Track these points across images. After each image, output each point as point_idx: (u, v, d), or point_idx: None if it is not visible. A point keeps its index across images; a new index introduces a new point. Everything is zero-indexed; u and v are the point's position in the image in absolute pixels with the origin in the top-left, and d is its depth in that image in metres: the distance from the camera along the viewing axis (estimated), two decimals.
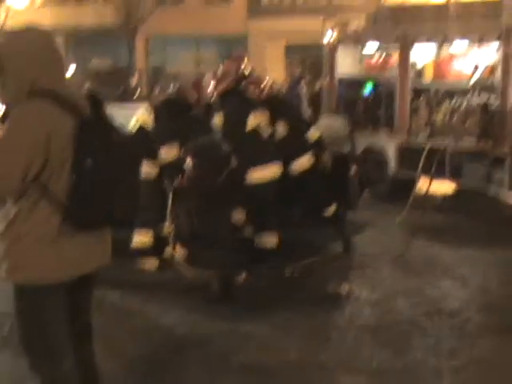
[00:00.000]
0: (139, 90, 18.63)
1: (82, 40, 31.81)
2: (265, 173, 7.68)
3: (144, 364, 5.48)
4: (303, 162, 8.14)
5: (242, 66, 8.29)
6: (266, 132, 7.83)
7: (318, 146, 8.31)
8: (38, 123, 3.36)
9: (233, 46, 32.90)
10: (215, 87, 8.10)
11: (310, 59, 31.92)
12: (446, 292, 7.12)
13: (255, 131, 7.73)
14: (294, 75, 23.24)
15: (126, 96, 16.24)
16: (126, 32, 31.35)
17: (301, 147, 8.19)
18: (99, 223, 3.59)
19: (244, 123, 7.69)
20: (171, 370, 5.39)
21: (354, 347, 5.75)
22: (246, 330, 6.07)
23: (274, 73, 29.27)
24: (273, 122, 7.96)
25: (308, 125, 8.50)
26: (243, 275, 7.28)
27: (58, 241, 3.45)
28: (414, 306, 6.69)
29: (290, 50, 31.44)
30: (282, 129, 8.07)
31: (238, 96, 7.94)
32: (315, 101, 13.93)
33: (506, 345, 5.85)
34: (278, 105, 8.25)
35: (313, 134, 8.27)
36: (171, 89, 8.47)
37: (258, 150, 7.69)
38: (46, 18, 32.06)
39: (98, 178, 3.41)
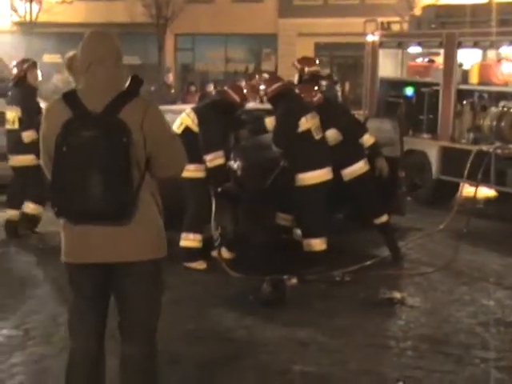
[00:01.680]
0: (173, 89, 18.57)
1: None
2: (316, 176, 7.58)
3: (199, 370, 5.38)
4: (357, 169, 8.01)
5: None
6: (318, 136, 7.72)
7: (373, 152, 8.17)
8: (45, 118, 3.86)
9: (262, 45, 32.87)
10: (266, 89, 8.02)
11: (339, 59, 31.88)
12: (500, 302, 6.98)
13: (308, 133, 7.63)
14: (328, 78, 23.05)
15: (161, 94, 16.18)
16: (155, 29, 31.31)
17: (355, 153, 8.06)
18: (76, 215, 3.69)
19: (296, 125, 7.59)
20: (228, 376, 5.30)
21: (414, 358, 5.63)
22: (303, 337, 5.98)
23: None
24: (324, 128, 7.85)
25: (363, 129, 8.33)
26: (294, 279, 7.19)
27: (64, 227, 3.82)
28: (470, 316, 6.56)
29: (319, 49, 31.33)
30: (334, 135, 7.95)
31: (291, 98, 7.85)
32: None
33: None
34: (331, 110, 8.13)
35: (368, 139, 8.12)
36: (211, 89, 8.49)
37: (310, 152, 7.59)
38: (78, 14, 32.20)
39: (64, 170, 3.62)
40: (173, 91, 18.08)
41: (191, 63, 34.58)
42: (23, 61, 9.11)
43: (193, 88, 18.98)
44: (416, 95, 11.89)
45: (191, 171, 7.42)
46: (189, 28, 32.14)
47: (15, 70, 9.10)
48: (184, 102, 16.92)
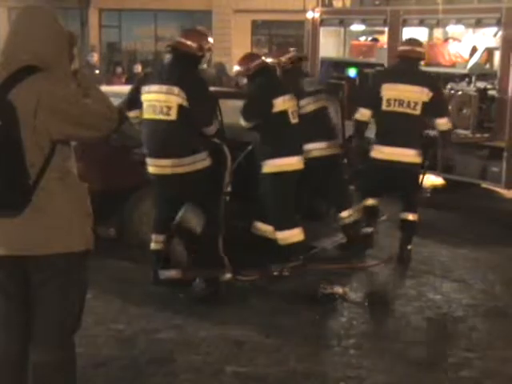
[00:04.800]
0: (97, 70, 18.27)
1: None
2: (288, 163, 7.53)
3: (125, 373, 5.35)
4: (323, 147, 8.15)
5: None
6: (294, 120, 7.65)
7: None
8: None
9: (195, 22, 32.67)
10: (247, 65, 7.67)
11: (279, 38, 31.96)
12: (448, 296, 7.12)
13: (284, 115, 7.52)
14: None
15: None
16: (77, 3, 30.89)
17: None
18: None
19: (270, 102, 7.44)
20: (158, 379, 5.29)
21: (356, 356, 5.70)
22: (238, 336, 6.00)
23: (239, 51, 29.16)
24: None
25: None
26: (228, 274, 7.17)
27: None
28: (416, 312, 6.67)
29: (257, 27, 31.37)
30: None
31: (271, 75, 7.83)
32: None
33: None
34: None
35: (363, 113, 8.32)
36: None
37: (284, 136, 7.50)
38: None
39: None
40: (97, 72, 17.86)
41: (118, 41, 34.25)
42: None
43: (119, 69, 18.83)
44: (359, 76, 12.00)
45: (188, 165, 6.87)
46: (114, 3, 31.81)
47: None
48: (109, 84, 16.73)
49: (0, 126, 3.53)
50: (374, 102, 8.13)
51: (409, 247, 8.16)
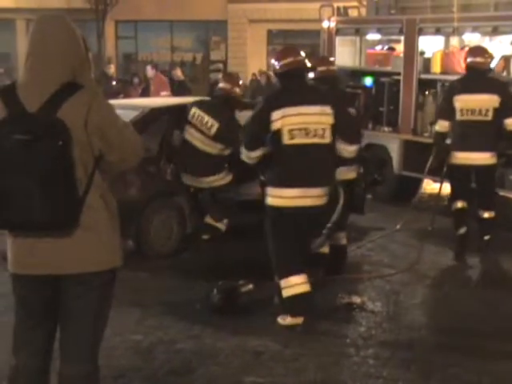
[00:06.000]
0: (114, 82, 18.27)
1: None
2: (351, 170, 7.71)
3: (144, 383, 5.37)
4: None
5: None
6: None
7: None
8: None
9: (210, 32, 32.81)
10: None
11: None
12: (468, 306, 7.07)
13: None
14: None
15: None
16: (94, 15, 31.01)
17: None
18: (17, 227, 3.65)
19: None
20: None
21: (375, 366, 5.67)
22: (256, 346, 5.99)
23: (255, 60, 29.23)
24: None
25: None
26: (250, 285, 7.09)
27: (9, 235, 3.74)
28: (435, 322, 6.65)
29: (272, 37, 31.42)
30: None
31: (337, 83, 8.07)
32: None
33: None
34: None
35: None
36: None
37: None
38: None
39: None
40: (114, 83, 17.90)
41: (134, 52, 34.39)
42: None
43: (136, 80, 18.88)
44: (375, 85, 11.98)
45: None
46: (130, 14, 31.89)
47: None
48: (126, 95, 16.68)
49: (61, 145, 3.50)
50: (449, 113, 8.51)
51: (485, 238, 8.52)
